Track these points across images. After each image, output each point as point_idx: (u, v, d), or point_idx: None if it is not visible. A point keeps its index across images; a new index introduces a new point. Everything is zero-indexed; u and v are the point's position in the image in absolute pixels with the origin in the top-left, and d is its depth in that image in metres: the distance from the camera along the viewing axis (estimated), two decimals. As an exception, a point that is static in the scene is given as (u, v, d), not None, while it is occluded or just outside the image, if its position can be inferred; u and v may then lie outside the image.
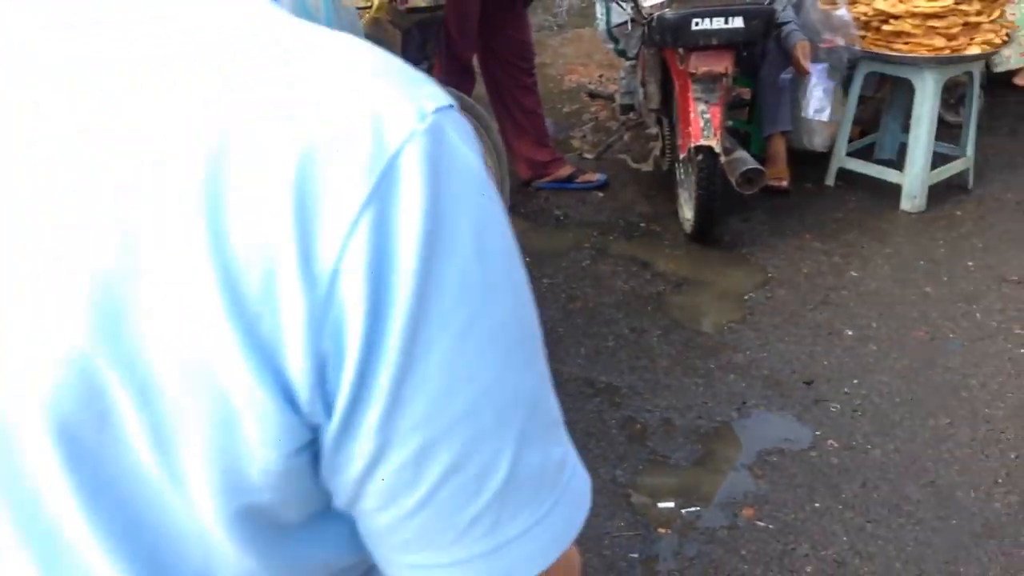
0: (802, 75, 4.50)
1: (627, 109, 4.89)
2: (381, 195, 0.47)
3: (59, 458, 0.50)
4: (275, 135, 0.47)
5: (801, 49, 4.48)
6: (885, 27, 4.41)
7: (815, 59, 4.48)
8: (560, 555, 0.57)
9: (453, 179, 0.50)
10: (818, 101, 4.50)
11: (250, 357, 0.47)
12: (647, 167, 4.69)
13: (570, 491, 0.58)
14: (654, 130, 4.70)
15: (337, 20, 2.37)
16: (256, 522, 0.53)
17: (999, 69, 5.44)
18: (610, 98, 5.70)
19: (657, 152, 4.66)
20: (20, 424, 0.49)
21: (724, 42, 3.96)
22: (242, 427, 0.49)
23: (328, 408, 0.50)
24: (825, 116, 4.51)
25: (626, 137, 5.31)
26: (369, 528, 0.55)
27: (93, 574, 0.53)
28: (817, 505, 2.69)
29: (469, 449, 0.52)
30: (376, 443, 0.50)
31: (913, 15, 4.29)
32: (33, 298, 0.48)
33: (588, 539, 2.54)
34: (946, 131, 4.78)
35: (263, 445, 0.49)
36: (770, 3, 4.38)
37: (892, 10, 4.35)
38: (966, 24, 4.30)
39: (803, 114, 4.55)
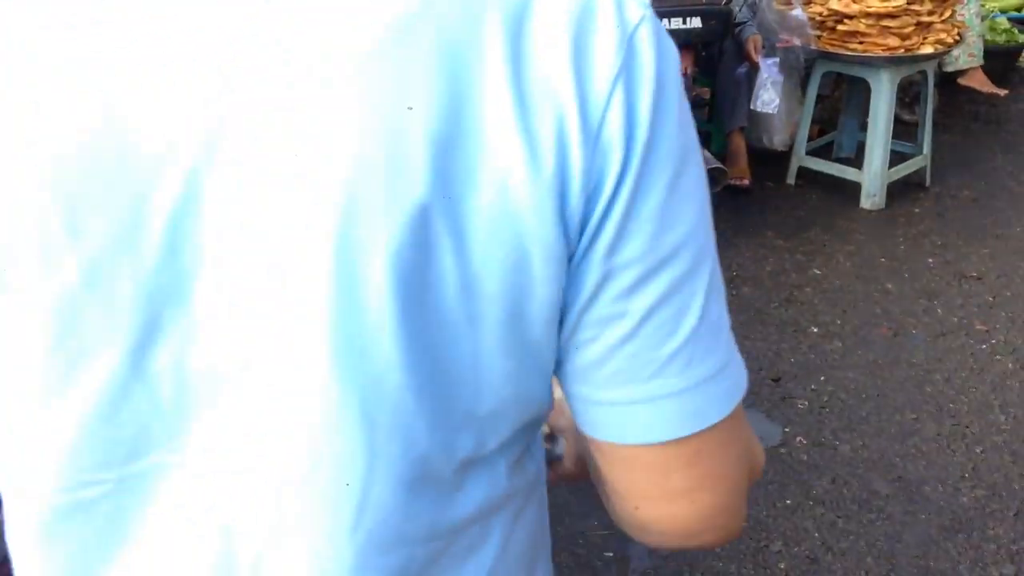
0: (754, 68, 4.53)
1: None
2: (627, 64, 0.58)
3: (394, 306, 0.57)
4: (557, 9, 0.57)
5: (753, 42, 4.52)
6: (840, 27, 4.45)
7: (770, 54, 4.52)
8: (736, 408, 0.66)
9: (666, 57, 0.60)
10: (767, 94, 4.53)
11: (545, 201, 0.57)
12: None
13: (738, 353, 0.67)
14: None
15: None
16: (521, 357, 0.62)
17: (949, 69, 5.53)
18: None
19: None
20: (366, 280, 0.56)
21: (682, 42, 3.97)
22: (532, 267, 0.58)
23: (577, 243, 0.59)
24: (772, 109, 4.54)
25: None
26: (578, 365, 0.64)
27: (404, 419, 0.61)
28: (788, 502, 2.70)
29: (670, 289, 0.61)
30: (599, 273, 0.60)
31: (867, 15, 4.34)
32: (382, 161, 0.55)
33: (562, 538, 2.52)
34: (902, 129, 4.85)
35: (544, 282, 0.59)
36: (727, 3, 4.41)
37: (846, 10, 4.39)
38: (919, 24, 4.36)
39: (752, 106, 4.58)
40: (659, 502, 0.68)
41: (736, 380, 0.66)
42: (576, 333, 0.63)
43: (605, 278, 0.60)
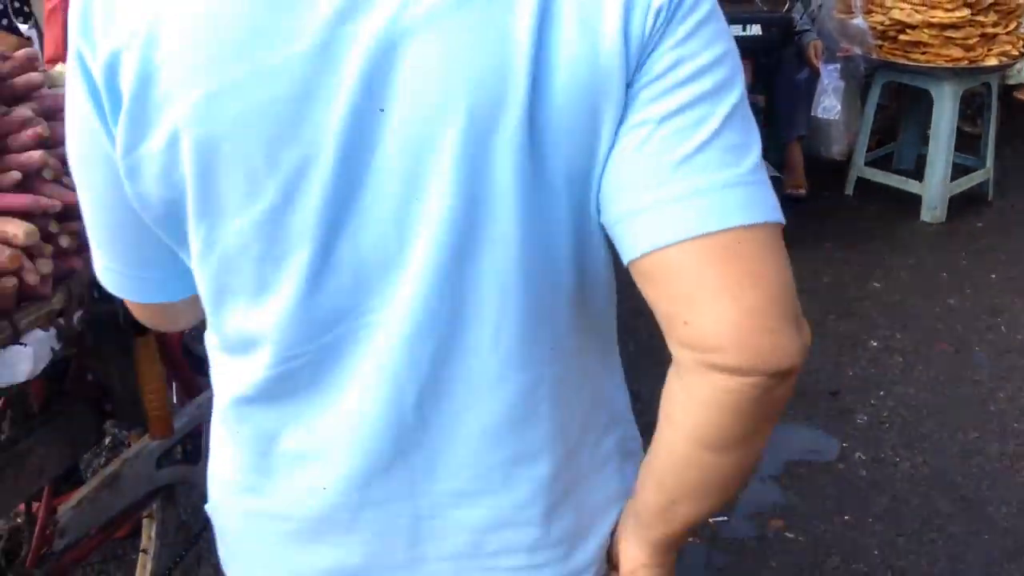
0: (815, 73, 4.46)
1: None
2: None
3: (514, 177, 0.76)
4: None
5: (814, 47, 4.45)
6: (902, 37, 4.39)
7: (830, 61, 4.45)
8: (767, 228, 0.75)
9: None
10: (828, 100, 4.45)
11: (612, 64, 0.74)
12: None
13: (766, 186, 0.76)
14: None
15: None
16: (594, 193, 0.79)
17: (1011, 82, 5.42)
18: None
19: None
20: (492, 163, 0.75)
21: (741, 50, 3.91)
22: (603, 119, 0.75)
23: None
24: (834, 115, 4.47)
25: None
26: (609, 185, 0.78)
27: (522, 265, 0.80)
28: (847, 518, 2.65)
29: (687, 103, 0.74)
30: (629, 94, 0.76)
31: (930, 25, 4.27)
32: (494, 67, 0.73)
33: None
34: (963, 142, 4.75)
35: (610, 122, 0.75)
36: (788, 11, 4.36)
37: (909, 20, 4.33)
38: (983, 35, 4.29)
39: (812, 112, 4.51)
40: (703, 304, 0.74)
41: (763, 200, 0.75)
42: (610, 150, 0.77)
43: (631, 98, 0.75)
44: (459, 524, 0.91)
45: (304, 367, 0.85)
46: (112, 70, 0.76)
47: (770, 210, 0.76)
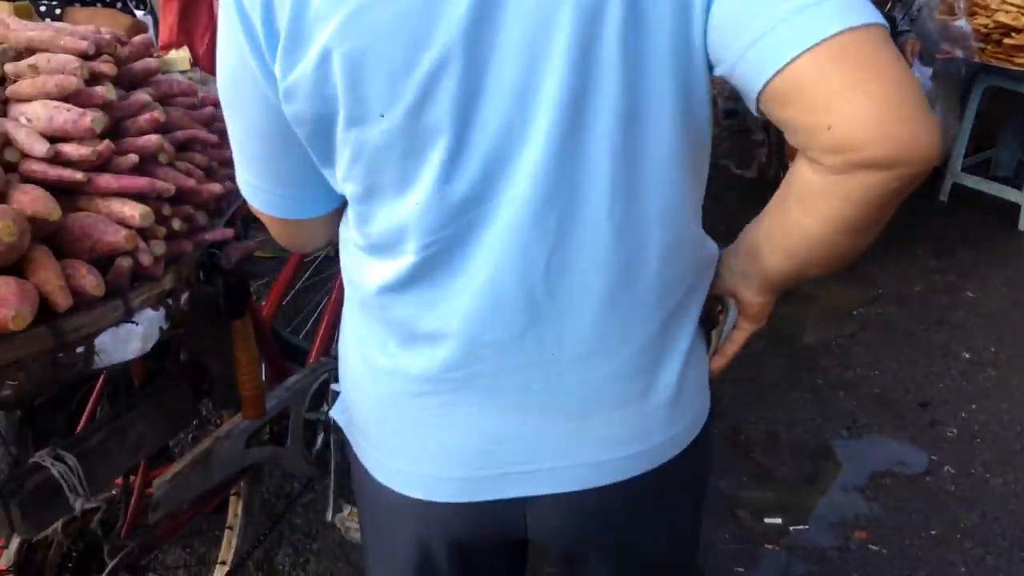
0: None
1: (730, 114, 4.78)
2: None
3: (619, 52, 0.85)
4: None
5: (911, 46, 4.33)
6: (1006, 40, 4.25)
7: (927, 64, 4.33)
8: (869, 27, 0.80)
9: None
10: None
11: None
12: (751, 174, 4.58)
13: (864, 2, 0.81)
14: (760, 136, 4.58)
15: None
16: (689, 59, 0.88)
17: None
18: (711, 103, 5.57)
19: (763, 159, 4.54)
20: (599, 42, 0.85)
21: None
22: (694, 6, 0.84)
23: None
24: None
25: (727, 143, 5.19)
26: (714, 30, 0.85)
27: (635, 130, 0.89)
28: (933, 532, 2.58)
29: None
30: None
31: (1036, 29, 4.13)
32: None
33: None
34: (1067, 150, 4.60)
35: (701, 14, 0.84)
36: (889, 11, 4.25)
37: (1014, 23, 4.19)
38: (1090, 40, 4.13)
39: None
40: (839, 105, 0.80)
41: (859, 6, 0.80)
42: (715, 11, 0.85)
43: None
44: (583, 386, 1.02)
45: (442, 252, 0.96)
46: (269, 10, 0.88)
47: (869, 13, 0.81)
